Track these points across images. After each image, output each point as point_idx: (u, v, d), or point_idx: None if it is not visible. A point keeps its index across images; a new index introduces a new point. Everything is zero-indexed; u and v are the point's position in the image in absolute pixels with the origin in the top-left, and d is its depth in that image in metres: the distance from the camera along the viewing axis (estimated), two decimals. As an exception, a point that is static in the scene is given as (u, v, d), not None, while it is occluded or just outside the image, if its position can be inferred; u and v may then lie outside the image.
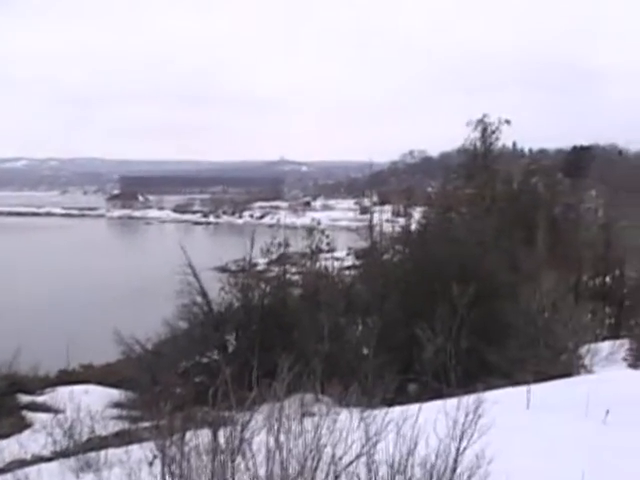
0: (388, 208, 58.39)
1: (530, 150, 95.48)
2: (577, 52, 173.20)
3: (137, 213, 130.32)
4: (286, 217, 74.11)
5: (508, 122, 22.12)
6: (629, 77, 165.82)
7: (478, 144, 22.29)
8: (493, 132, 22.23)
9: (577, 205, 33.28)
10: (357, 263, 26.93)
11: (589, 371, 13.04)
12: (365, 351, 13.02)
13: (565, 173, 61.74)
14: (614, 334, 17.88)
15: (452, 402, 8.98)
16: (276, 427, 3.53)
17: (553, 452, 6.78)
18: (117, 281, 46.19)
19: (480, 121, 22.30)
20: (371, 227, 21.48)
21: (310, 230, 21.62)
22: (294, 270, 21.58)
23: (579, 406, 8.23)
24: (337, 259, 27.42)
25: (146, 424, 9.24)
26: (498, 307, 13.46)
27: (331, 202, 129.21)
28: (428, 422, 4.34)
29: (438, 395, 9.64)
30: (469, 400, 8.60)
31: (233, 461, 3.47)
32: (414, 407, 9.43)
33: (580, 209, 32.92)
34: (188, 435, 3.58)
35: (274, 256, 21.21)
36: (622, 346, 14.99)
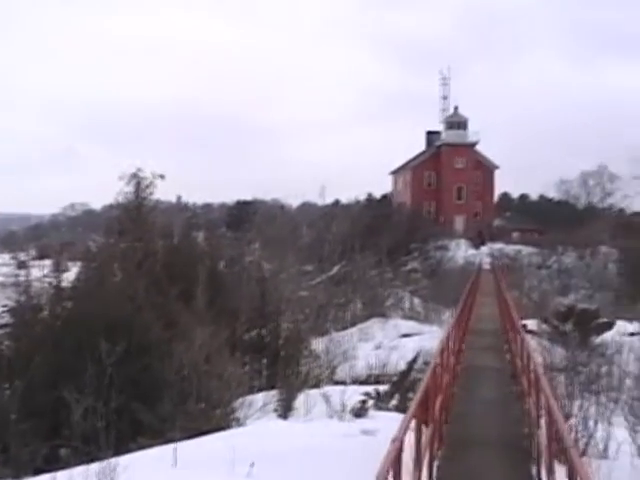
0: (48, 263, 55.67)
1: (194, 204, 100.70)
2: (246, 109, 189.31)
3: None
4: None
5: (162, 177, 23.15)
6: (296, 135, 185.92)
7: (131, 198, 22.87)
8: (147, 186, 23.04)
9: (240, 258, 35.96)
10: (10, 322, 25.16)
11: (241, 424, 14.18)
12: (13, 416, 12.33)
13: (229, 227, 66.30)
14: (270, 385, 19.68)
15: (80, 470, 9.03)
16: None
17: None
18: None
19: (134, 175, 22.93)
20: (27, 283, 20.47)
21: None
22: None
23: (226, 460, 8.99)
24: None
25: None
26: (150, 364, 13.93)
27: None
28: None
29: (90, 459, 9.63)
30: (106, 465, 8.77)
31: None
32: (61, 475, 9.22)
33: (243, 262, 35.61)
34: None
35: None
36: (274, 397, 16.61)
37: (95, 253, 25.65)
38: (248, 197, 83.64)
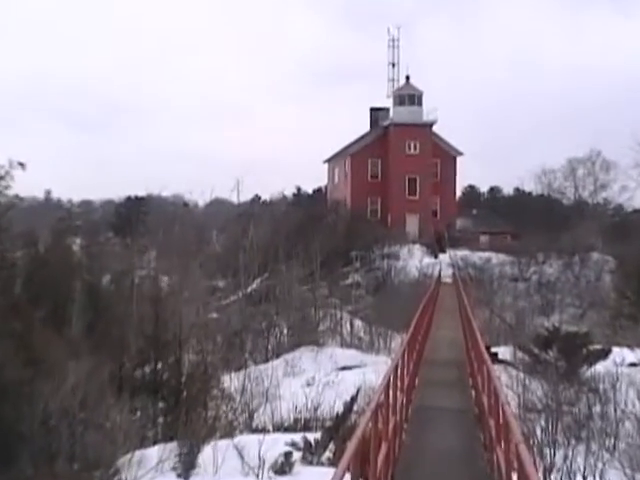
0: None
1: (69, 202, 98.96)
2: (138, 82, 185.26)
3: None
4: None
5: (22, 166, 22.62)
6: (203, 115, 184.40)
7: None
8: (1, 177, 22.50)
9: (130, 271, 35.45)
10: None
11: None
12: None
13: (116, 230, 65.34)
14: (168, 435, 19.51)
15: None
16: None
17: None
18: None
19: (-21, 163, 22.37)
20: None
21: None
22: None
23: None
24: None
25: None
26: (6, 413, 13.58)
27: None
28: None
29: None
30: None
31: None
32: None
33: (134, 277, 35.12)
34: None
35: None
36: (173, 451, 16.46)
37: None
38: (141, 192, 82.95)
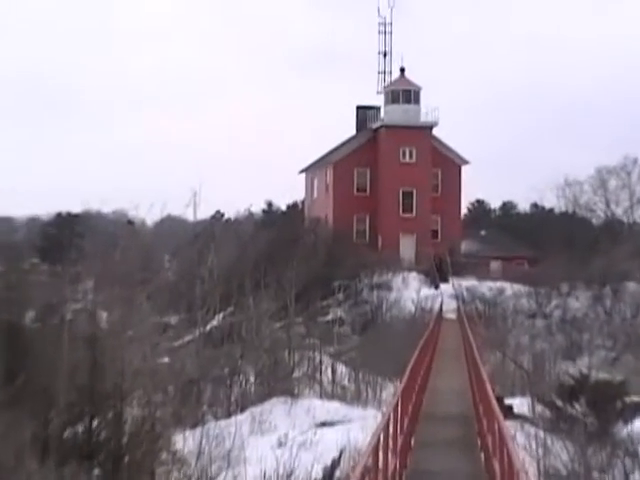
0: None
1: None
2: (71, 72, 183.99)
3: None
4: None
5: None
6: (151, 112, 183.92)
7: None
8: None
9: (60, 306, 35.21)
10: None
11: None
12: None
13: (43, 255, 64.87)
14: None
15: None
16: None
17: None
18: None
19: None
20: None
21: None
22: None
23: None
24: None
25: None
26: None
27: None
28: None
29: None
30: None
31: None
32: None
33: (65, 312, 34.89)
34: None
35: None
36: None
37: None
38: (74, 208, 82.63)
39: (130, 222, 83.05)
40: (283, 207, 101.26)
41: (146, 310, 39.86)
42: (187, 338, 46.91)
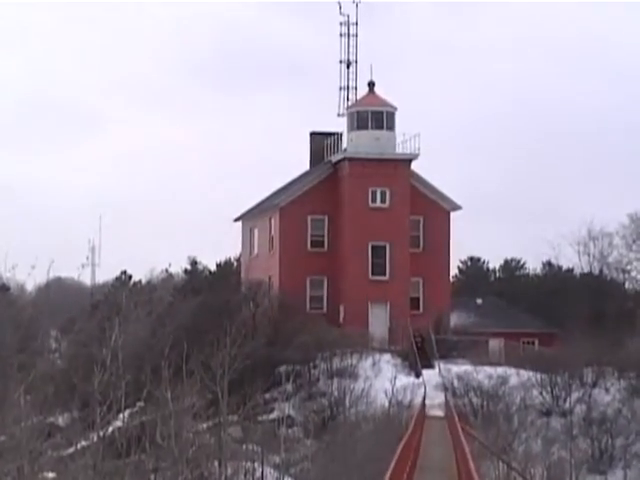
0: None
1: None
2: None
3: None
4: None
5: None
6: (40, 149, 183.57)
7: None
8: None
9: None
10: None
11: None
12: None
13: None
14: None
15: None
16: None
17: None
18: None
19: None
20: None
21: None
22: None
23: None
24: None
25: None
26: None
27: None
28: None
29: None
30: None
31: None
32: None
33: None
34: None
35: None
36: None
37: None
38: None
39: (5, 288, 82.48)
40: (212, 266, 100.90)
41: (25, 407, 39.45)
42: (81, 445, 46.40)
